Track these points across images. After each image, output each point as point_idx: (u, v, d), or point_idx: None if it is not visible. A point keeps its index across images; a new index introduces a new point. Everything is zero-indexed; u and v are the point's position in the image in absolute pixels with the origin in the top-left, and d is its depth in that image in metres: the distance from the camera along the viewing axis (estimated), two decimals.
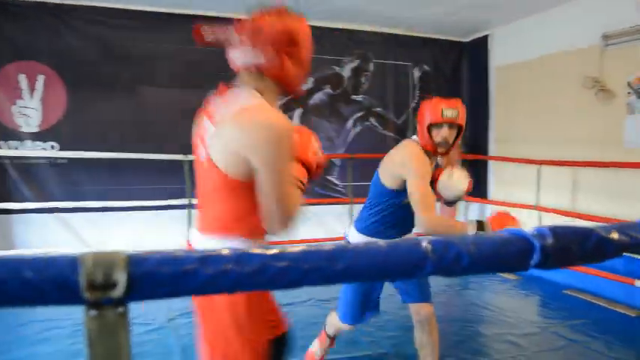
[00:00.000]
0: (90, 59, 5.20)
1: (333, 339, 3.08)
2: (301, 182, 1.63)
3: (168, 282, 0.63)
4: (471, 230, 2.30)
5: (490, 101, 6.39)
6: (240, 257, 0.66)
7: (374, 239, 2.59)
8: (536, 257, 0.85)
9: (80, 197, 5.05)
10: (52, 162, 5.11)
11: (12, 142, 4.99)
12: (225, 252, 0.67)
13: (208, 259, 0.65)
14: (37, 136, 5.06)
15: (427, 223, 2.41)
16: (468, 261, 0.81)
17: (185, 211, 5.19)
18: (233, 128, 1.46)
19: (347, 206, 5.86)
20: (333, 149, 6.10)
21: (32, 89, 5.04)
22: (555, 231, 0.86)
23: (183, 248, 0.66)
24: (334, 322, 2.96)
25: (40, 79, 5.05)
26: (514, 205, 5.59)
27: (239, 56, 1.57)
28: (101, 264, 0.59)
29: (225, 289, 0.67)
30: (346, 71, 6.23)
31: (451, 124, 2.55)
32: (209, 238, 1.59)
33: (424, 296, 2.78)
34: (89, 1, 5.12)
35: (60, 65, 5.11)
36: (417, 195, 2.44)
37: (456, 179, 2.67)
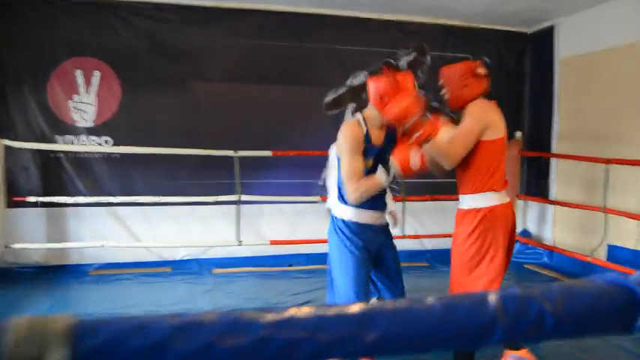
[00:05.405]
0: (143, 55, 5.22)
1: None
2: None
3: None
4: (383, 177, 2.45)
5: (554, 95, 6.00)
6: (232, 327, 0.50)
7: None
8: None
9: (132, 192, 5.09)
10: (106, 157, 5.17)
11: (68, 137, 5.08)
12: (212, 317, 0.50)
13: (186, 329, 0.50)
14: (91, 131, 5.13)
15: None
16: (552, 323, 0.61)
17: (234, 207, 5.15)
18: None
19: (399, 204, 5.63)
20: None
21: (88, 85, 5.10)
22: None
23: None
24: None
25: (96, 75, 5.11)
26: (578, 207, 5.25)
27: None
28: (33, 336, 0.46)
29: None
30: (402, 64, 5.96)
31: None
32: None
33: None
34: None
35: (115, 61, 5.15)
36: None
37: None
